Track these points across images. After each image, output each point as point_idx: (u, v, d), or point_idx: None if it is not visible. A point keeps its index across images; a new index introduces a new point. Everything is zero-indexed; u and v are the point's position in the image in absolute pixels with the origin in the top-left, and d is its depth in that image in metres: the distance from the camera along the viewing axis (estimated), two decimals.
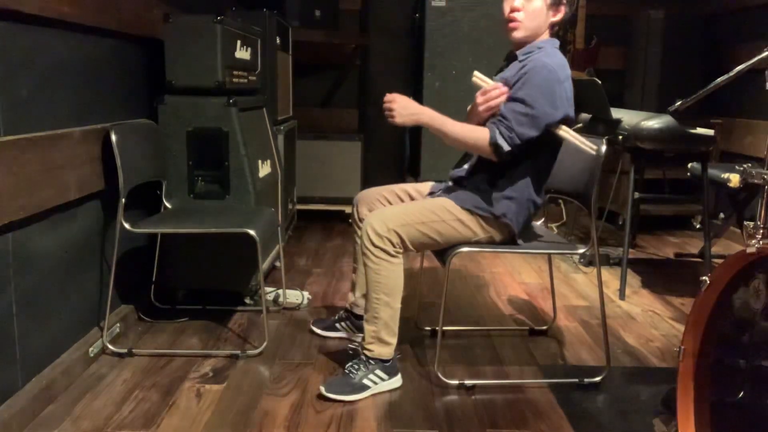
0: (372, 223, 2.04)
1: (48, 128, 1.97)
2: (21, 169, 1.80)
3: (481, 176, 2.14)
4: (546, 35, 2.14)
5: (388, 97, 2.11)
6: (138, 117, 2.59)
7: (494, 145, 2.03)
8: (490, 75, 2.20)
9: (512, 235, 2.15)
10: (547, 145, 2.11)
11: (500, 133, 2.02)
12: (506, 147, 2.02)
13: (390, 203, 2.33)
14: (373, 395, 2.07)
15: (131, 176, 2.34)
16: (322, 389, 2.04)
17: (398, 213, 2.09)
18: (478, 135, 2.06)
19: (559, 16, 2.12)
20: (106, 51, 2.40)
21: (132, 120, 2.51)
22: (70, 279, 2.16)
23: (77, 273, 2.22)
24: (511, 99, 2.05)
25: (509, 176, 2.11)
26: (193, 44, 2.54)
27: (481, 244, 2.17)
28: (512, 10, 2.10)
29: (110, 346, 2.32)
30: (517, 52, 2.15)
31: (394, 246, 2.04)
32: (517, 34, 2.12)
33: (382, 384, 2.09)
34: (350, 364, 2.10)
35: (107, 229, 2.39)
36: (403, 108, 2.09)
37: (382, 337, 2.08)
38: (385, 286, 2.05)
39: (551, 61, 2.04)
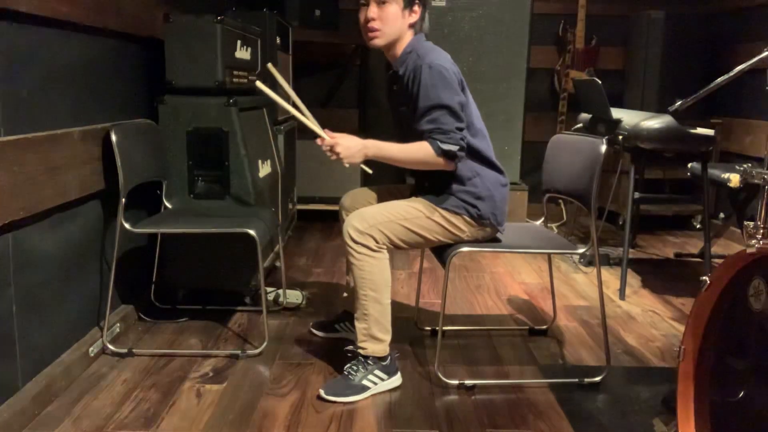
0: (352, 221, 2.06)
1: (48, 128, 1.97)
2: (21, 169, 1.80)
3: (442, 177, 2.13)
4: (409, 36, 2.14)
5: (328, 141, 2.06)
6: (138, 117, 2.59)
7: (444, 153, 2.03)
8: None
9: (493, 225, 2.16)
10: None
11: (441, 141, 2.02)
12: (455, 148, 2.03)
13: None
14: (373, 395, 2.07)
15: (131, 176, 2.34)
16: (322, 392, 2.04)
17: (378, 211, 2.10)
18: (422, 152, 2.04)
19: (415, 17, 2.12)
20: (106, 51, 2.40)
21: (132, 120, 2.51)
22: (70, 279, 2.17)
23: (77, 273, 2.22)
24: (421, 112, 2.04)
25: (461, 173, 2.11)
26: (193, 44, 2.54)
27: (481, 244, 2.17)
28: (367, 20, 2.10)
29: (110, 346, 2.32)
30: (395, 67, 2.16)
31: (376, 242, 2.05)
32: (378, 42, 2.12)
33: (382, 384, 2.09)
34: (349, 365, 2.10)
35: (107, 229, 2.39)
36: (346, 148, 2.06)
37: (374, 334, 2.08)
38: (370, 281, 2.06)
39: (428, 60, 2.04)
